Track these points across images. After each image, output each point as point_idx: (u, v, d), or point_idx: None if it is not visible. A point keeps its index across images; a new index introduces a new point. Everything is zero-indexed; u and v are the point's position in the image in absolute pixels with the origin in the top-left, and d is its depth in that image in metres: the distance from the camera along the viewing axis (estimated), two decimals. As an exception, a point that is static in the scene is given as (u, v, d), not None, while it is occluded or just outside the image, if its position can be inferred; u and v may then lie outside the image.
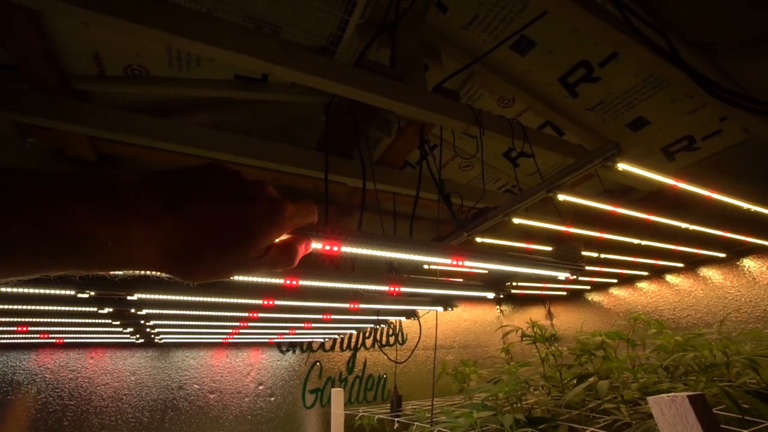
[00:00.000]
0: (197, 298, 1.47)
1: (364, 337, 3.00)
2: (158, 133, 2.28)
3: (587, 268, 3.04)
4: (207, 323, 2.00)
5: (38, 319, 1.56)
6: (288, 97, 2.55)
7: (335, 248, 0.70)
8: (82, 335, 1.98)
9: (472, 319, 3.49)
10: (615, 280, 3.38)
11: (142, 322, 1.78)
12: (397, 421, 1.97)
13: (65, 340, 2.14)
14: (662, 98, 2.57)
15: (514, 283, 3.21)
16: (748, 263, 2.72)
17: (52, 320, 1.59)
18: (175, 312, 1.64)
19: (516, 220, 1.77)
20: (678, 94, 2.51)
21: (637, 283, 3.30)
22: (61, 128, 2.06)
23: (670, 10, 1.99)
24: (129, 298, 1.19)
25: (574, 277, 1.30)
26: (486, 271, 1.70)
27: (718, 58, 2.25)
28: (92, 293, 1.09)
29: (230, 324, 2.03)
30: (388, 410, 2.21)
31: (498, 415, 1.21)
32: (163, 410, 2.31)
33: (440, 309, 2.04)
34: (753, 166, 2.67)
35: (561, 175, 1.49)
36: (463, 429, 1.29)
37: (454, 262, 0.95)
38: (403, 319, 2.53)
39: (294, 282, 1.25)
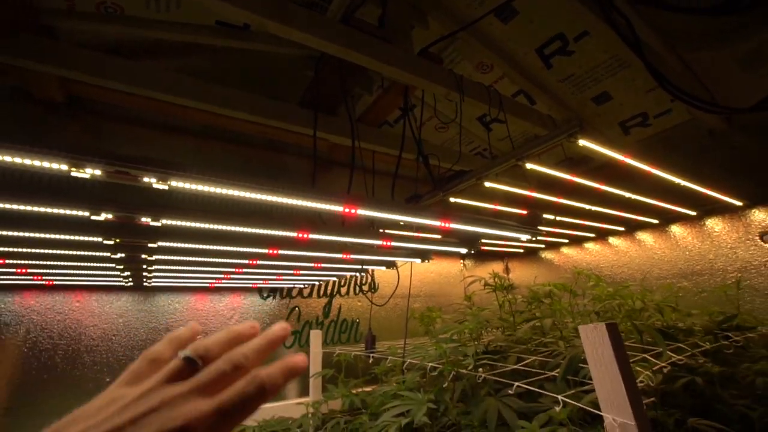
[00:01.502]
0: (209, 247, 1.56)
1: (340, 285, 3.24)
2: (133, 77, 2.19)
3: (544, 229, 3.38)
4: (205, 269, 2.11)
5: (39, 261, 1.59)
6: (270, 47, 2.50)
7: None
8: (71, 277, 2.02)
9: (438, 272, 3.82)
10: (566, 241, 3.76)
11: (145, 266, 1.85)
12: (372, 357, 2.24)
13: (54, 282, 2.17)
14: (625, 77, 2.78)
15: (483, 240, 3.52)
16: (675, 229, 3.14)
17: (51, 263, 1.62)
18: (178, 258, 1.73)
19: (488, 184, 1.96)
20: (638, 75, 2.73)
21: (585, 244, 3.70)
22: (28, 67, 1.94)
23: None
24: (150, 245, 1.27)
25: (534, 238, 1.53)
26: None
27: (680, 47, 2.46)
28: (109, 216, 1.14)
29: (225, 270, 2.15)
30: (363, 349, 2.49)
31: (462, 347, 1.48)
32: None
33: (417, 261, 2.26)
34: (692, 144, 3.01)
35: (530, 146, 1.67)
36: (432, 359, 1.56)
37: (443, 224, 1.13)
38: (383, 268, 2.76)
39: (305, 235, 1.38)
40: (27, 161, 1.03)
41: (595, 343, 1.01)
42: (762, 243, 2.63)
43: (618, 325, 1.08)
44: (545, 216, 2.74)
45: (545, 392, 1.27)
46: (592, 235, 3.47)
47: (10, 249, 1.45)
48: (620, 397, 0.94)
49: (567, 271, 3.66)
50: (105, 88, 2.25)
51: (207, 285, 2.67)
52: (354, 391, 2.16)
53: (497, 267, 4.35)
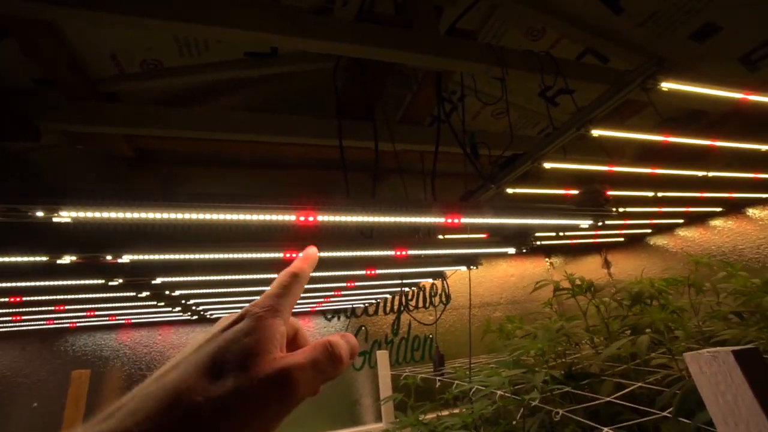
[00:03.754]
0: (224, 277, 1.55)
1: (407, 300, 3.03)
2: (184, 122, 2.36)
3: (644, 210, 2.73)
4: (244, 298, 2.14)
5: (99, 305, 1.79)
6: (301, 66, 2.49)
7: (311, 218, 0.66)
8: (143, 316, 2.24)
9: (519, 274, 3.36)
10: (681, 220, 3.02)
11: (183, 301, 1.96)
12: (439, 380, 1.99)
13: (132, 321, 2.45)
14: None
15: (560, 233, 3.00)
16: None
17: (109, 305, 1.81)
18: (207, 291, 1.77)
19: (548, 165, 1.60)
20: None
21: (710, 221, 2.93)
22: (97, 131, 2.21)
23: None
24: (153, 282, 1.29)
25: (599, 223, 1.15)
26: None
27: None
28: (120, 280, 1.19)
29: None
30: (431, 369, 2.24)
31: (528, 372, 1.15)
32: None
33: (463, 268, 1.96)
34: None
35: (591, 109, 1.30)
36: (495, 387, 1.26)
37: (448, 221, 0.87)
38: (430, 280, 2.49)
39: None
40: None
41: (716, 381, 0.64)
42: None
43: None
44: (642, 193, 2.20)
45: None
46: (719, 209, 2.70)
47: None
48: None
49: (685, 260, 2.90)
50: (163, 137, 2.48)
51: None
52: (426, 417, 1.93)
53: (593, 262, 3.69)
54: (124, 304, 1.90)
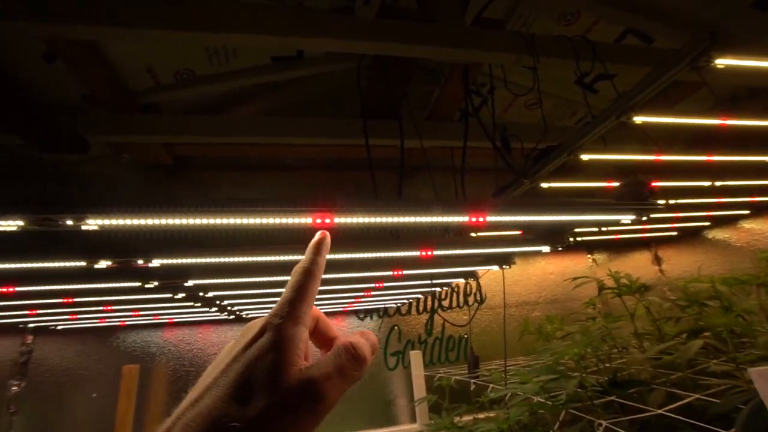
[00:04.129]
0: (252, 279, 1.58)
1: (441, 299, 2.97)
2: (218, 129, 2.44)
3: (699, 201, 2.49)
4: (277, 298, 2.17)
5: (141, 306, 1.91)
6: (326, 67, 2.50)
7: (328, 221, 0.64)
8: (184, 316, 2.37)
9: (559, 272, 3.19)
10: (747, 211, 2.74)
11: (218, 302, 2.03)
12: (474, 383, 1.92)
13: (174, 320, 2.61)
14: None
15: (603, 229, 2.81)
16: None
17: (151, 306, 1.92)
18: (240, 292, 1.81)
19: (585, 157, 1.50)
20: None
21: (778, 212, 2.64)
22: (138, 141, 2.34)
23: None
24: (185, 284, 1.34)
25: (643, 218, 1.04)
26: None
27: None
28: (156, 283, 1.24)
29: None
30: (466, 371, 2.18)
31: (562, 378, 1.07)
32: None
33: (495, 267, 1.87)
34: None
35: (633, 94, 1.19)
36: (531, 393, 1.19)
37: (473, 219, 0.82)
38: (462, 280, 2.41)
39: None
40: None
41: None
42: None
43: None
44: (697, 183, 2.02)
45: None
46: (789, 198, 2.41)
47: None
48: None
49: (750, 256, 2.60)
50: (199, 144, 2.58)
51: None
52: (460, 420, 1.87)
53: (642, 258, 3.43)
54: (164, 305, 2.02)
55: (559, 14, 2.38)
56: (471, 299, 3.00)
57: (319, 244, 0.43)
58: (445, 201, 0.90)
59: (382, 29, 1.72)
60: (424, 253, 1.28)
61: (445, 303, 2.95)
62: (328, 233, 0.45)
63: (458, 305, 2.96)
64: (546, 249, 1.42)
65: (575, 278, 1.58)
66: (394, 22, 1.74)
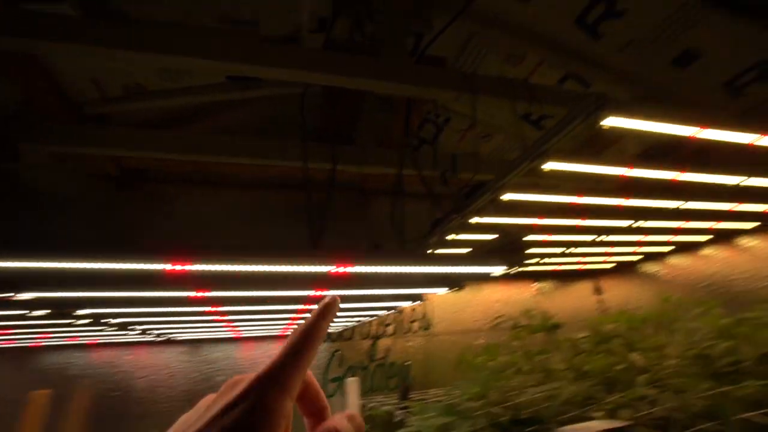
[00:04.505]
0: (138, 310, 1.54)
1: (386, 325, 2.98)
2: (169, 145, 2.40)
3: (626, 239, 2.64)
4: (209, 325, 2.13)
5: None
6: (286, 89, 2.52)
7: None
8: (108, 337, 2.26)
9: (504, 300, 3.27)
10: (671, 248, 2.93)
11: (129, 327, 1.96)
12: (397, 414, 1.93)
13: (99, 341, 2.49)
14: (714, 22, 2.07)
15: (545, 260, 2.92)
16: None
17: (68, 329, 1.82)
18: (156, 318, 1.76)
19: (506, 197, 1.58)
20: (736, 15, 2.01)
21: (700, 250, 2.84)
22: (80, 152, 2.27)
23: None
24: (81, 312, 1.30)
25: (512, 270, 1.11)
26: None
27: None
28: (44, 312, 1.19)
29: (241, 318, 2.13)
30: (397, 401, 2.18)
31: (459, 420, 1.10)
32: (191, 402, 2.55)
33: (441, 291, 1.90)
34: None
35: (540, 143, 1.28)
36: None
37: (335, 269, 0.85)
38: (408, 303, 2.42)
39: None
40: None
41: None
42: None
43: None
44: (618, 223, 2.15)
45: None
46: (705, 237, 2.61)
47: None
48: None
49: (678, 287, 2.78)
50: (147, 158, 2.53)
51: (232, 336, 2.73)
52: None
53: (584, 288, 3.59)
54: (80, 329, 1.92)
55: (506, 56, 2.52)
56: (416, 325, 3.02)
57: (327, 308, 0.39)
58: (313, 252, 0.92)
59: (327, 61, 1.77)
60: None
61: (390, 329, 2.96)
62: (338, 298, 0.42)
63: (403, 332, 2.98)
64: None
65: (497, 317, 1.63)
66: (341, 55, 1.80)
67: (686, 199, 1.93)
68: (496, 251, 2.07)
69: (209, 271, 1.31)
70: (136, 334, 2.31)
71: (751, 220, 2.37)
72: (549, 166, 1.35)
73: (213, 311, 2.06)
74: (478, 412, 1.18)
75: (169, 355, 2.75)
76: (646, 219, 2.18)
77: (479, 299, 3.27)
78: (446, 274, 1.94)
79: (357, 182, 3.13)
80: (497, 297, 3.28)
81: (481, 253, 1.49)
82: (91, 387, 2.47)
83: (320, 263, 1.37)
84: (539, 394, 1.44)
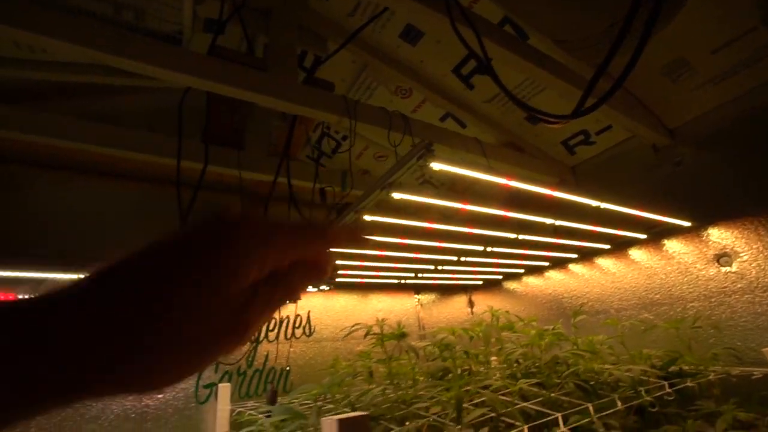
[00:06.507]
0: None
1: (268, 330, 2.98)
2: (16, 122, 2.11)
3: (478, 260, 3.08)
4: None
5: None
6: (157, 83, 2.40)
7: None
8: None
9: (387, 309, 3.52)
10: (522, 270, 3.46)
11: None
12: (266, 417, 1.97)
13: None
14: (552, 93, 2.59)
15: (420, 274, 3.23)
16: (633, 253, 2.83)
17: None
18: None
19: (368, 218, 1.75)
20: (565, 90, 2.53)
21: (545, 272, 3.40)
22: None
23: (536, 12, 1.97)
24: None
25: (327, 288, 1.30)
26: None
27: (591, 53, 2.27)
28: None
29: None
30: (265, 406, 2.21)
31: (292, 419, 1.22)
32: None
33: (312, 289, 2.01)
34: (638, 162, 2.75)
35: (387, 176, 1.48)
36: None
37: None
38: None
39: None
40: None
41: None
42: (719, 267, 2.30)
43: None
44: (471, 247, 2.50)
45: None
46: (546, 263, 3.17)
47: None
48: None
49: (531, 302, 3.35)
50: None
51: None
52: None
53: (460, 300, 4.03)
54: None
55: (396, 88, 2.79)
56: (299, 332, 3.08)
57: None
58: None
59: (211, 67, 1.77)
60: None
61: (272, 334, 2.97)
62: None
63: (285, 337, 3.01)
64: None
65: (354, 325, 1.79)
66: (226, 63, 1.82)
67: (519, 233, 2.33)
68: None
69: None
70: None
71: (570, 252, 2.95)
72: (397, 195, 1.54)
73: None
74: (309, 411, 1.30)
75: None
76: (493, 246, 2.56)
77: (362, 307, 3.45)
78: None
79: (252, 187, 3.10)
80: (380, 307, 3.51)
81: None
82: None
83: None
84: (373, 395, 1.62)
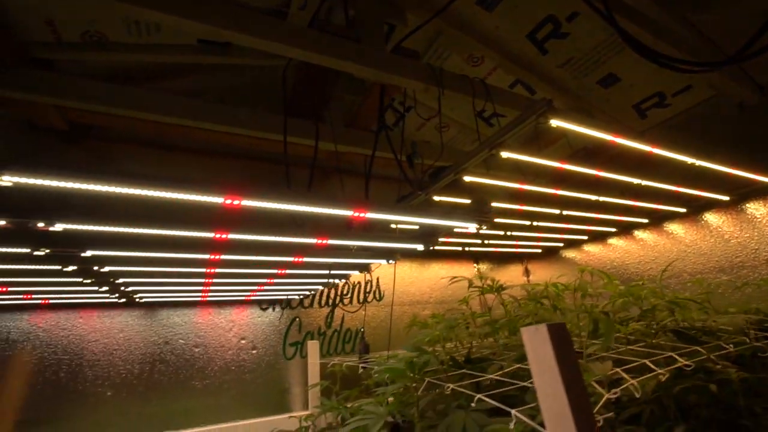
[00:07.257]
0: (156, 254, 1.58)
1: (343, 294, 3.18)
2: (126, 101, 2.29)
3: (554, 225, 3.13)
4: (175, 280, 2.15)
5: (15, 279, 1.70)
6: (255, 60, 2.54)
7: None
8: (64, 296, 2.13)
9: (449, 277, 3.65)
10: (586, 237, 3.48)
11: (111, 279, 1.92)
12: (362, 367, 2.15)
13: (50, 301, 2.32)
14: (631, 54, 2.53)
15: (487, 240, 3.32)
16: (709, 217, 2.80)
17: (27, 280, 1.73)
18: (138, 269, 1.77)
19: (467, 179, 1.84)
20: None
21: (608, 240, 3.40)
22: (24, 98, 2.09)
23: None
24: (82, 254, 1.30)
25: (482, 227, 1.39)
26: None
27: (682, 9, 2.21)
28: (47, 251, 1.19)
29: (196, 280, 2.18)
30: (357, 359, 2.40)
31: (423, 355, 1.36)
32: (151, 363, 2.56)
33: (383, 261, 2.16)
34: (720, 122, 2.68)
35: (499, 135, 1.55)
36: (400, 368, 1.44)
37: (356, 214, 1.04)
38: (356, 272, 2.65)
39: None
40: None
41: (536, 345, 0.87)
42: (812, 227, 2.26)
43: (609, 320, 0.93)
44: (550, 210, 2.55)
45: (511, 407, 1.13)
46: (613, 229, 3.17)
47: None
48: (563, 413, 0.79)
49: (591, 271, 3.38)
50: (104, 113, 2.38)
51: (199, 298, 2.73)
52: (350, 403, 2.07)
53: (516, 270, 4.10)
54: (45, 280, 1.81)
55: (467, 55, 2.81)
56: (370, 297, 3.25)
57: None
58: (333, 196, 1.10)
59: (313, 40, 1.87)
60: (320, 241, 1.46)
61: (346, 300, 3.16)
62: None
63: (359, 301, 3.19)
64: (420, 247, 1.71)
65: (453, 277, 1.91)
66: (324, 35, 1.91)
67: (600, 194, 2.36)
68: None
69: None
70: (100, 292, 2.18)
71: (642, 216, 2.94)
72: (505, 154, 1.62)
73: (209, 272, 2.08)
74: (438, 352, 1.44)
75: (124, 318, 2.65)
76: (570, 209, 2.60)
77: (426, 275, 3.59)
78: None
79: (323, 160, 3.24)
80: (443, 273, 3.64)
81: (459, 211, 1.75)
82: (35, 351, 2.28)
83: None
84: (484, 342, 1.75)
